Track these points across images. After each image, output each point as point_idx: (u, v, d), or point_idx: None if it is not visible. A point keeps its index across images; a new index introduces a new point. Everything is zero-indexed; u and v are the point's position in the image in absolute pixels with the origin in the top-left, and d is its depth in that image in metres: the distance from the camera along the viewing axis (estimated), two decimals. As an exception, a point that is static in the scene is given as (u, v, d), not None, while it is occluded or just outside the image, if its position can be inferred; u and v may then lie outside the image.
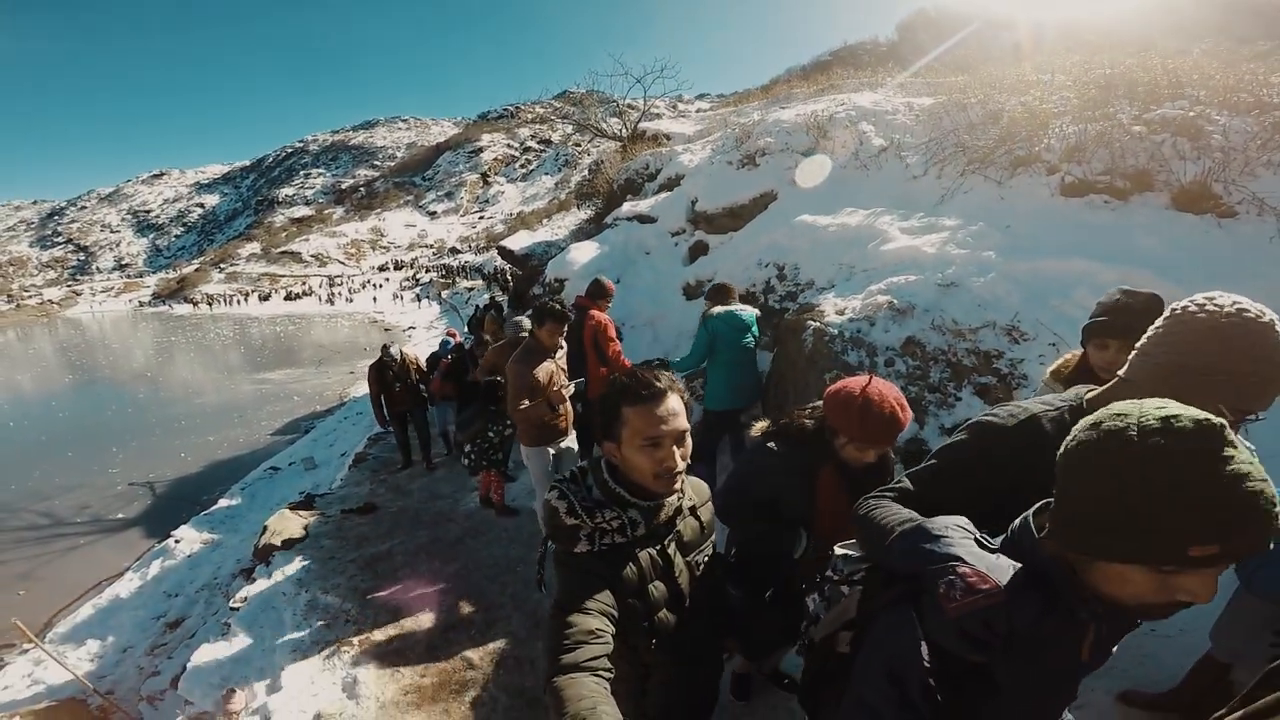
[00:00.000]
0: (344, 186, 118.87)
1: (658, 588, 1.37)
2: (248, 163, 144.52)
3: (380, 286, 56.36)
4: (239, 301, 61.66)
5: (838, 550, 1.43)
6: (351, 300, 50.72)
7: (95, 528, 7.89)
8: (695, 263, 7.37)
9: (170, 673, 4.15)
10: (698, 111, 28.57)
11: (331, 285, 63.18)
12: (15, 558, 7.01)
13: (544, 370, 3.69)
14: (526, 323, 4.97)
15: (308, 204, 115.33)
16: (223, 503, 7.71)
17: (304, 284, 68.64)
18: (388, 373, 6.98)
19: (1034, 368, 3.32)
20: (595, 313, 4.61)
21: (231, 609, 4.03)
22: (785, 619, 1.75)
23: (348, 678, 3.19)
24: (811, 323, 4.17)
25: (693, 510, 1.49)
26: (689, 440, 1.36)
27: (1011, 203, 4.85)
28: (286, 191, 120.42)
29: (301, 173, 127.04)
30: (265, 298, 62.19)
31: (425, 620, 3.73)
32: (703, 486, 1.56)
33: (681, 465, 1.33)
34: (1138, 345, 1.16)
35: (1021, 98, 6.27)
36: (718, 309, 4.19)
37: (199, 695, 3.34)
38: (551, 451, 3.84)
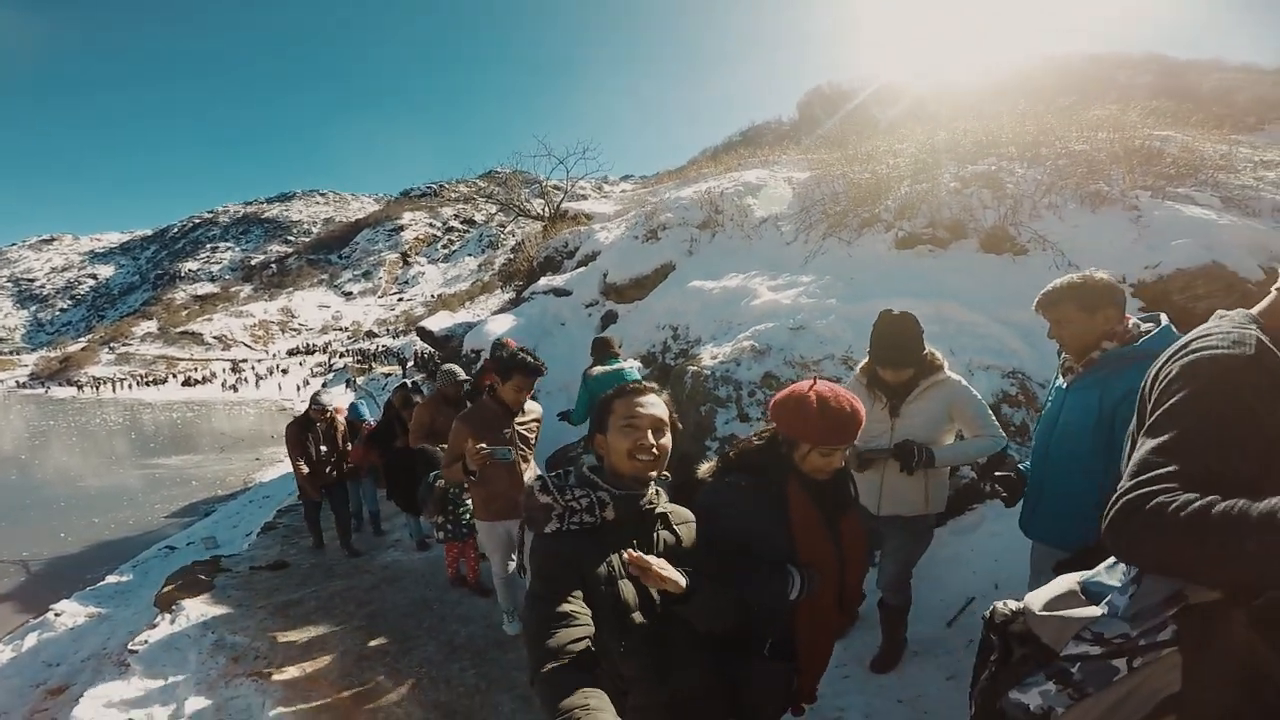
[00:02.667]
0: (254, 262, 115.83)
1: (627, 587, 1.38)
2: (149, 232, 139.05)
3: (288, 372, 54.43)
4: (130, 386, 58.09)
5: (1043, 607, 1.13)
6: (258, 387, 48.77)
7: None
8: (605, 330, 8.06)
9: None
10: (621, 192, 30.32)
11: (236, 370, 60.53)
12: None
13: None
14: (460, 372, 5.00)
15: (213, 280, 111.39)
16: (111, 579, 7.22)
17: (205, 369, 65.52)
18: (311, 432, 5.88)
19: (866, 388, 4.09)
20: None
21: (130, 651, 4.07)
22: (789, 674, 1.73)
23: (257, 703, 3.36)
24: (691, 368, 4.94)
25: (666, 522, 1.54)
26: (668, 436, 1.50)
27: (858, 258, 5.87)
28: (190, 266, 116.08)
29: (208, 246, 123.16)
30: (159, 382, 58.93)
31: (339, 652, 3.90)
32: (686, 512, 1.63)
33: (657, 451, 1.46)
34: None
35: (874, 167, 7.49)
36: (597, 369, 4.51)
37: None
38: (512, 528, 3.39)
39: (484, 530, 3.61)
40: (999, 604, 1.23)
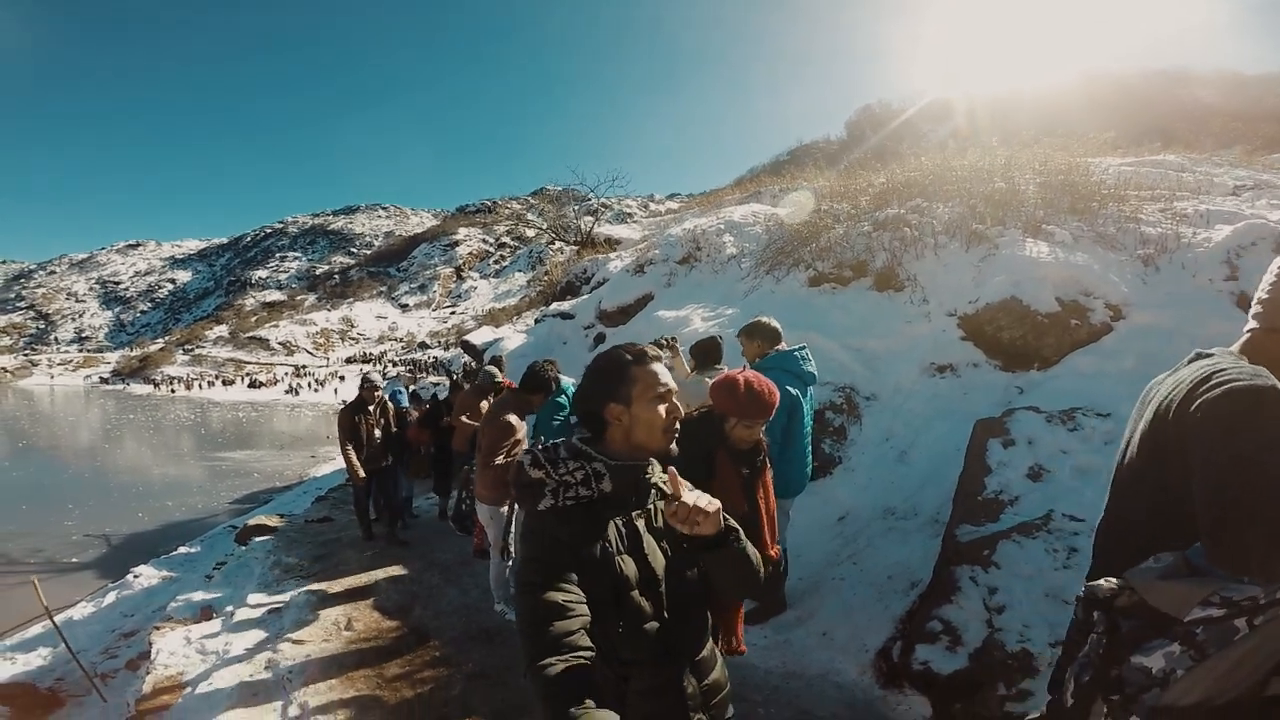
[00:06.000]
0: (319, 272, 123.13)
1: (626, 563, 1.36)
2: (225, 240, 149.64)
3: (344, 379, 58.41)
4: (201, 386, 63.40)
5: (1159, 577, 1.20)
6: (317, 391, 52.68)
7: (48, 568, 8.53)
8: (595, 350, 9.74)
9: (126, 658, 5.13)
10: (667, 212, 32.00)
11: (298, 375, 65.27)
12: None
13: (523, 428, 4.09)
14: (497, 371, 5.75)
15: (280, 288, 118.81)
16: (182, 550, 8.54)
17: (270, 372, 70.68)
18: (364, 416, 6.08)
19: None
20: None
21: (215, 567, 6.00)
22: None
23: (296, 595, 5.11)
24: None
25: (663, 493, 1.47)
26: None
27: (779, 294, 7.29)
28: (260, 274, 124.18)
29: (278, 255, 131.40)
30: (229, 383, 64.13)
31: (354, 565, 5.73)
32: (710, 498, 1.50)
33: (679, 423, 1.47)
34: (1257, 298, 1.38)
35: (820, 208, 8.81)
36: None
37: (182, 615, 5.13)
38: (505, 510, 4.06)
39: (496, 515, 4.10)
40: (1101, 583, 1.28)
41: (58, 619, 5.39)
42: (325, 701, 3.44)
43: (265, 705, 3.47)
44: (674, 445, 1.46)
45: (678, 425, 1.45)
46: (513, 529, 3.95)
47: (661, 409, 1.42)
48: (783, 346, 3.69)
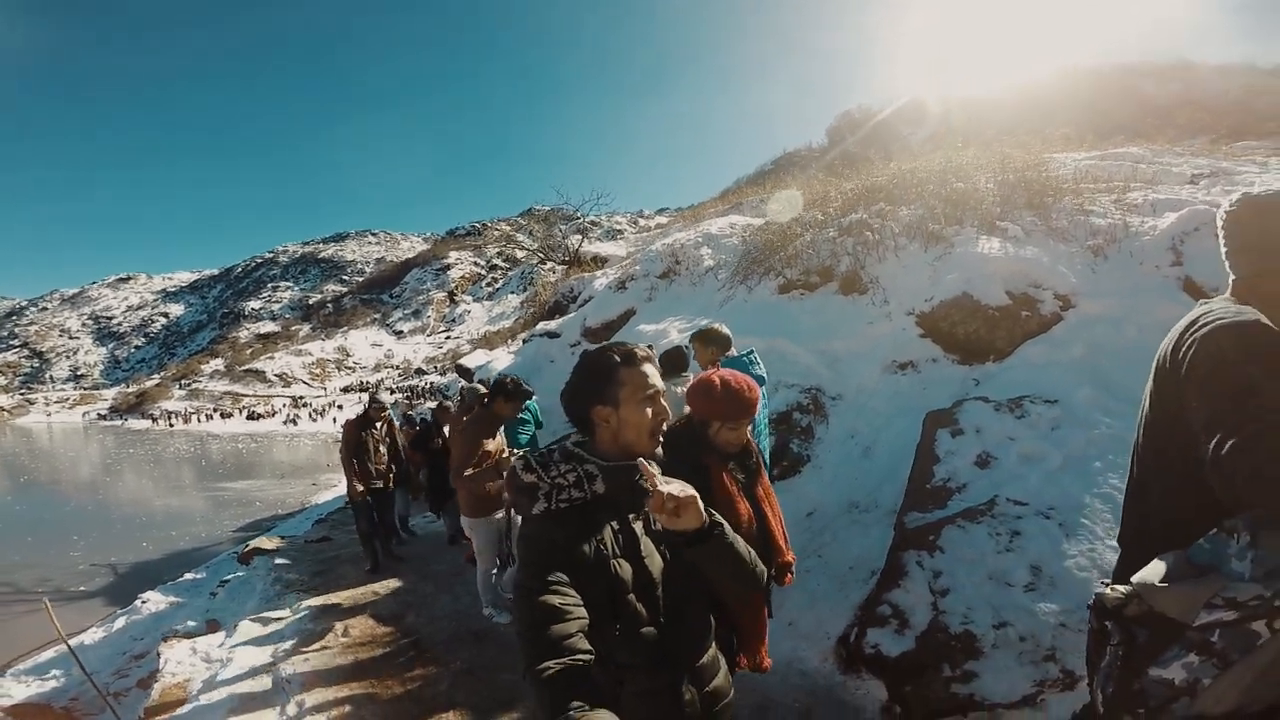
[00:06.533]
0: (312, 302, 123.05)
1: (622, 566, 1.36)
2: (216, 272, 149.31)
3: (343, 408, 58.60)
4: (199, 419, 63.42)
5: (1162, 581, 1.19)
6: (316, 421, 52.83)
7: (57, 596, 8.59)
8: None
9: (137, 677, 5.15)
10: (655, 227, 32.51)
11: (296, 406, 65.34)
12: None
13: (495, 441, 4.27)
14: (482, 388, 5.72)
15: (274, 319, 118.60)
16: (188, 576, 8.34)
17: (267, 404, 70.67)
18: (370, 431, 6.21)
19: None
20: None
21: (219, 585, 6.24)
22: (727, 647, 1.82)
23: (296, 608, 5.37)
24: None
25: None
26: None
27: (751, 301, 7.59)
28: (253, 305, 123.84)
29: (270, 285, 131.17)
30: (227, 416, 64.17)
31: (352, 579, 5.99)
32: (686, 485, 1.45)
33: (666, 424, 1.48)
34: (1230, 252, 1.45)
35: (791, 216, 9.14)
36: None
37: (188, 626, 5.38)
38: (498, 517, 4.34)
39: (476, 526, 4.34)
40: (1107, 590, 1.27)
41: (72, 640, 5.29)
42: (321, 701, 3.69)
43: (266, 709, 3.71)
44: (660, 448, 1.48)
45: (664, 425, 1.47)
46: (514, 536, 4.17)
47: (649, 410, 1.43)
48: (733, 352, 3.91)
